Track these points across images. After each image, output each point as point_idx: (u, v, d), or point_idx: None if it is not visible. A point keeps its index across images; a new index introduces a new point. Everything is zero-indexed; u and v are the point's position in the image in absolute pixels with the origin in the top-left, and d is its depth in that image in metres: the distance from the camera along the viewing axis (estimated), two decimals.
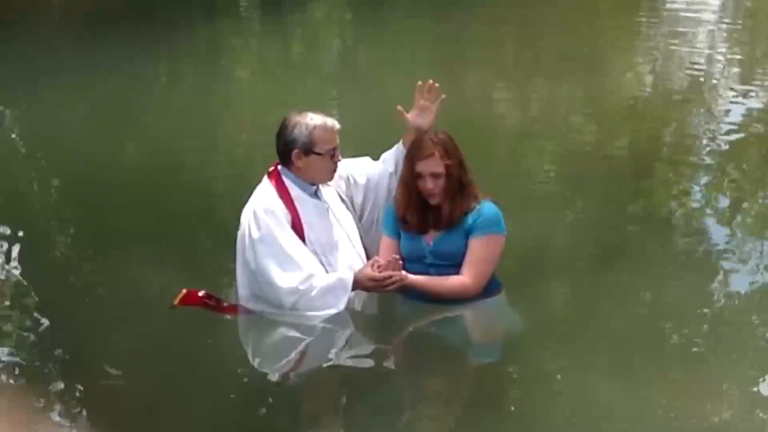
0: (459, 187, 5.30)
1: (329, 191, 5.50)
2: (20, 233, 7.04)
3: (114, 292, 6.05)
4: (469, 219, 5.30)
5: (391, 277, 5.15)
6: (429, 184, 5.26)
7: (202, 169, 8.47)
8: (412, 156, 5.33)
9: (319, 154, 5.28)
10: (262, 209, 5.24)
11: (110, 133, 9.25)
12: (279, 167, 5.38)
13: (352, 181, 5.61)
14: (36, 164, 8.88)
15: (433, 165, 5.25)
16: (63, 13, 15.66)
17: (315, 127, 5.29)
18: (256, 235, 5.20)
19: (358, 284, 5.22)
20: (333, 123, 5.34)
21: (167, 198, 7.67)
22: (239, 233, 5.32)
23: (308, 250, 5.26)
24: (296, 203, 5.29)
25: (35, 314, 5.91)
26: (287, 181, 5.33)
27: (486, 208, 5.33)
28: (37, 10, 15.57)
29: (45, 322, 5.81)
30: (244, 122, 9.73)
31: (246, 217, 5.29)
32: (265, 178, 5.39)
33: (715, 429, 4.74)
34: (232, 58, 13.36)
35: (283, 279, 5.16)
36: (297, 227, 5.26)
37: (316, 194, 5.40)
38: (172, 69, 12.17)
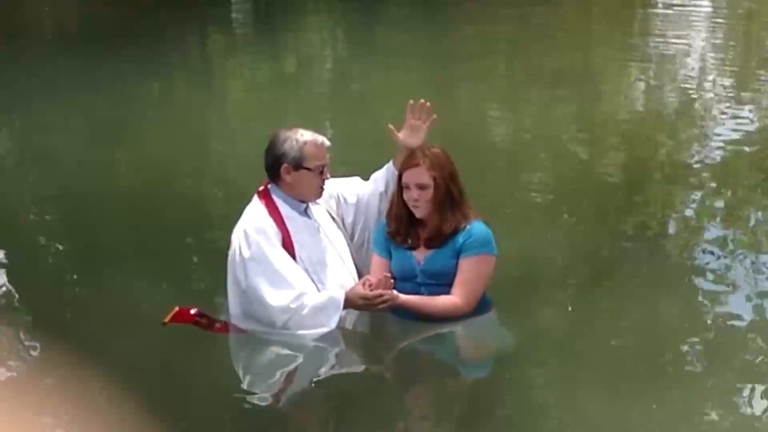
0: (449, 201, 5.29)
1: (320, 210, 5.49)
2: (13, 250, 7.05)
3: (105, 308, 6.06)
4: (460, 238, 5.30)
5: (382, 296, 5.15)
6: (414, 195, 5.26)
7: (195, 186, 8.48)
8: (401, 166, 5.35)
9: (309, 169, 5.28)
10: (253, 228, 5.23)
11: (103, 151, 9.26)
12: (269, 186, 5.38)
13: (342, 200, 5.61)
14: (29, 182, 8.88)
15: (418, 175, 5.25)
16: (55, 33, 15.68)
17: (306, 142, 5.29)
18: (246, 254, 5.20)
19: (349, 303, 5.21)
20: (323, 140, 5.35)
21: (160, 215, 7.67)
22: (230, 252, 5.31)
23: (299, 268, 5.26)
24: (286, 222, 5.28)
25: (26, 329, 5.92)
26: (277, 200, 5.33)
27: (476, 228, 5.33)
28: (29, 30, 15.59)
29: (36, 337, 5.82)
30: (237, 140, 9.73)
31: (236, 236, 5.28)
32: (255, 197, 5.38)
33: None
34: (225, 76, 13.38)
35: (275, 298, 5.15)
36: (288, 246, 5.25)
37: (306, 212, 5.39)
38: (164, 87, 12.18)
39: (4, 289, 6.40)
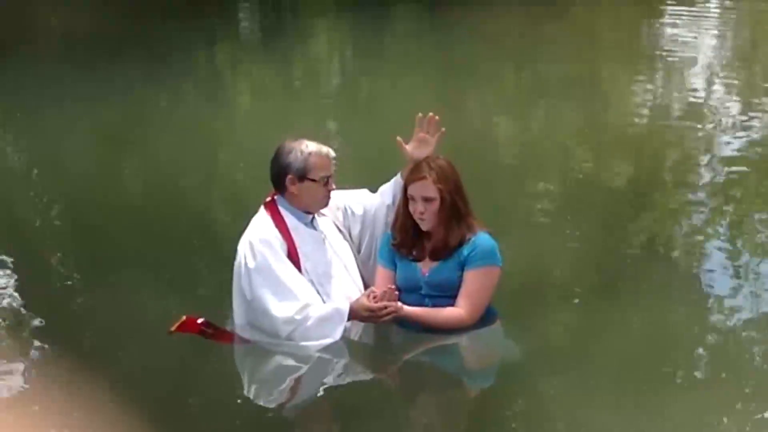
0: (454, 214, 5.29)
1: (326, 221, 5.50)
2: (19, 256, 7.05)
3: (111, 316, 6.06)
4: (465, 250, 5.30)
5: (386, 307, 5.14)
6: (420, 208, 5.25)
7: (202, 195, 8.48)
8: (407, 179, 5.34)
9: (314, 180, 5.29)
10: (258, 239, 5.24)
11: (110, 160, 9.28)
12: (275, 197, 5.39)
13: (349, 211, 5.61)
14: (36, 190, 8.89)
15: (424, 188, 5.25)
16: (63, 42, 15.69)
17: (310, 153, 5.30)
18: (252, 264, 5.20)
19: (354, 314, 5.21)
20: (328, 151, 5.36)
21: (166, 224, 7.68)
22: (235, 263, 5.32)
23: (305, 279, 5.26)
24: (292, 233, 5.29)
25: (31, 336, 5.92)
26: (283, 211, 5.33)
27: (481, 239, 5.32)
28: (38, 38, 15.62)
29: (41, 344, 5.82)
30: (244, 149, 9.73)
31: (242, 247, 5.29)
32: (262, 209, 5.39)
33: None
34: (233, 85, 13.40)
35: (279, 309, 5.16)
36: (293, 257, 5.26)
37: (312, 224, 5.40)
38: (172, 96, 12.19)
39: (10, 295, 6.41)
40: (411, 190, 5.29)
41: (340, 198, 5.57)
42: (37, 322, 6.08)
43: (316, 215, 5.43)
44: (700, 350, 5.73)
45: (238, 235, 5.38)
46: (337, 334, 5.20)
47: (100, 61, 13.12)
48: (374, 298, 5.17)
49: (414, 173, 5.30)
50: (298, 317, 5.15)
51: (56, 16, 17.26)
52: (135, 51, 13.87)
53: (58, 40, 15.98)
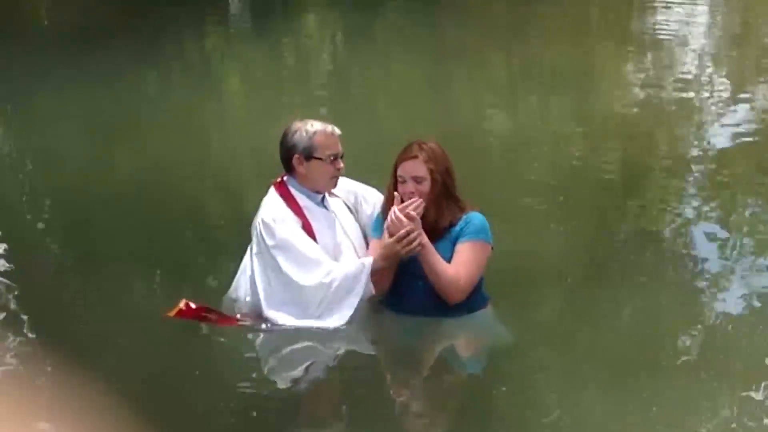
0: (445, 195, 5.30)
1: (337, 202, 5.51)
2: (12, 248, 7.01)
3: (104, 308, 6.01)
4: (457, 228, 5.30)
5: (409, 233, 5.10)
6: (410, 187, 5.24)
7: (194, 182, 8.44)
8: (397, 159, 5.33)
9: (320, 159, 5.30)
10: (272, 218, 5.26)
11: (101, 148, 9.23)
12: (285, 178, 5.40)
13: (360, 201, 5.62)
14: (27, 179, 8.86)
15: (415, 168, 5.25)
16: (52, 29, 15.66)
17: (315, 132, 5.32)
18: (271, 242, 5.22)
19: (379, 259, 5.21)
20: (333, 129, 5.37)
21: (158, 212, 7.64)
22: (254, 248, 5.33)
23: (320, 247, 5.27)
24: (305, 212, 5.31)
25: (26, 329, 5.87)
26: (294, 191, 5.35)
27: (474, 216, 5.34)
28: (26, 26, 15.58)
29: (36, 336, 5.77)
30: (235, 136, 9.73)
31: (258, 228, 5.30)
32: (272, 189, 5.40)
33: None
34: (224, 72, 13.36)
35: (307, 278, 5.18)
36: (308, 234, 5.28)
37: (323, 203, 5.42)
38: (163, 83, 12.16)
39: (2, 287, 6.40)
40: (401, 170, 5.28)
41: (355, 186, 5.61)
42: (28, 314, 6.03)
43: (326, 195, 5.45)
44: (691, 335, 5.73)
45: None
46: (364, 287, 5.21)
47: (89, 48, 13.02)
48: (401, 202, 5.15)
49: (405, 153, 5.30)
50: (326, 281, 5.17)
51: (45, 3, 17.21)
52: (124, 38, 13.77)
53: (47, 28, 15.93)
